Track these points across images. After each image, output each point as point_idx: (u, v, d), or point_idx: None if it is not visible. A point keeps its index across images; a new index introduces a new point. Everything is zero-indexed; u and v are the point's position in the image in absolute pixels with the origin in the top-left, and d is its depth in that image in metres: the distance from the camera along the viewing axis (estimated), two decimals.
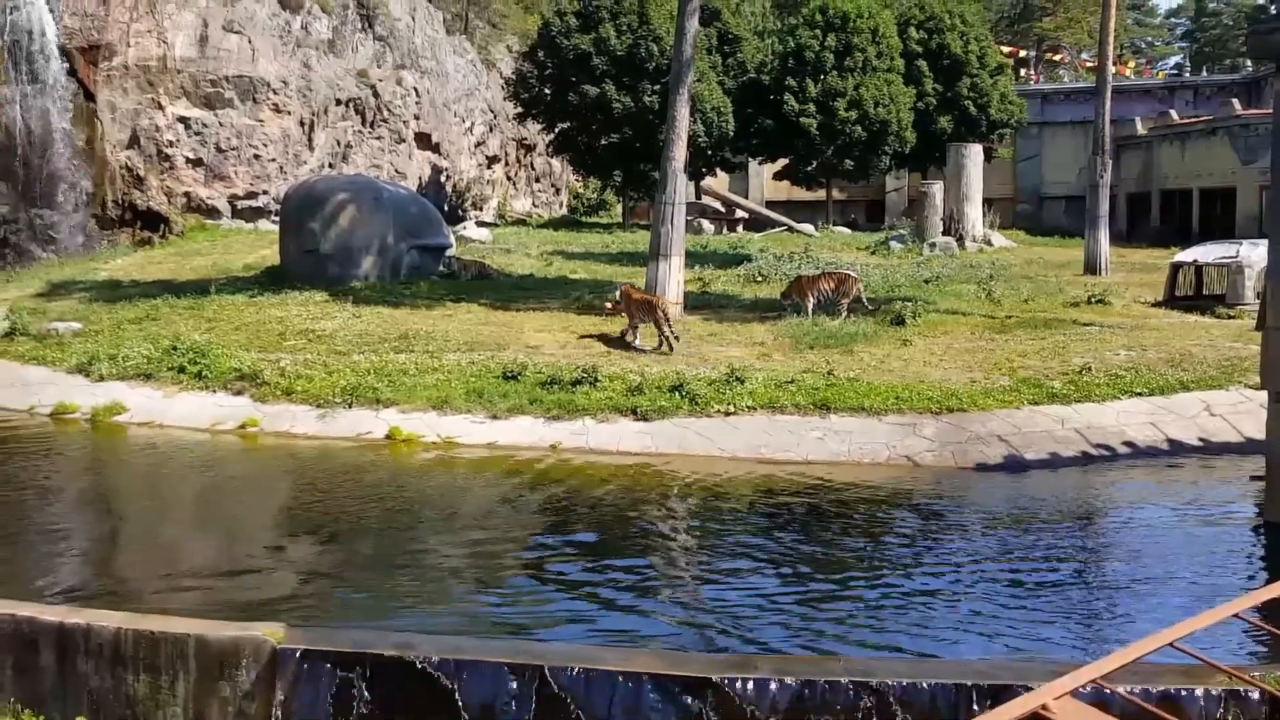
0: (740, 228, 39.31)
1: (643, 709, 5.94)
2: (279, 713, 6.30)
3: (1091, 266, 25.72)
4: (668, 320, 16.10)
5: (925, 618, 7.48)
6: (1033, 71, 65.54)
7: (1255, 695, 5.73)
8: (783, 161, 41.03)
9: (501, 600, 7.93)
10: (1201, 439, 12.62)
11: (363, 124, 34.10)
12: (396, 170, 34.61)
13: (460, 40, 41.84)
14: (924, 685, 5.88)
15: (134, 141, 28.69)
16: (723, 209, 41.14)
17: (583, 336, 16.82)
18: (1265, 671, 6.02)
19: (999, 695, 5.54)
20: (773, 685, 5.89)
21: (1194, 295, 20.63)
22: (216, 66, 29.76)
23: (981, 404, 13.24)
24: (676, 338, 16.07)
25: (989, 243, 32.31)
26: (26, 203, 26.59)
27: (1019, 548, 9.10)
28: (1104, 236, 26.07)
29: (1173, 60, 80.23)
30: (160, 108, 28.99)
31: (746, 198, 44.94)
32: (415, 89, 36.35)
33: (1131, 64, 67.21)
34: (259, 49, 30.54)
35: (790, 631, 7.23)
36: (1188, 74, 65.68)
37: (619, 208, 44.73)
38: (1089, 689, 4.28)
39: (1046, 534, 9.48)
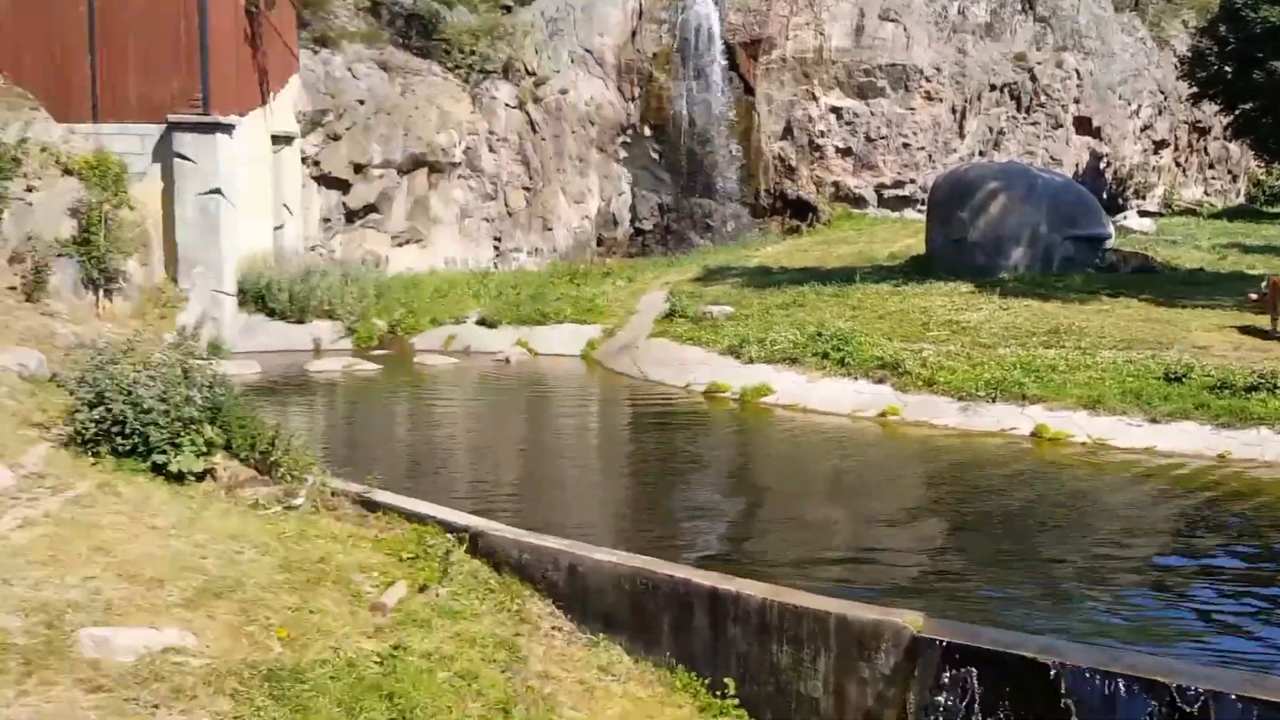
0: None
1: None
2: (915, 699, 6.33)
3: None
4: None
5: None
6: None
7: None
8: None
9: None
10: None
11: (1017, 109, 32.55)
12: (1051, 157, 32.64)
13: (1130, 17, 38.44)
14: None
15: (787, 132, 29.88)
16: None
17: (1267, 336, 14.96)
18: None
19: None
20: None
21: None
22: (871, 56, 30.06)
23: None
24: None
25: None
26: (687, 192, 28.97)
27: None
28: None
29: None
30: (814, 99, 29.88)
31: None
32: (1076, 70, 33.94)
33: None
34: (914, 36, 30.33)
35: None
36: None
37: None
38: None
39: None
